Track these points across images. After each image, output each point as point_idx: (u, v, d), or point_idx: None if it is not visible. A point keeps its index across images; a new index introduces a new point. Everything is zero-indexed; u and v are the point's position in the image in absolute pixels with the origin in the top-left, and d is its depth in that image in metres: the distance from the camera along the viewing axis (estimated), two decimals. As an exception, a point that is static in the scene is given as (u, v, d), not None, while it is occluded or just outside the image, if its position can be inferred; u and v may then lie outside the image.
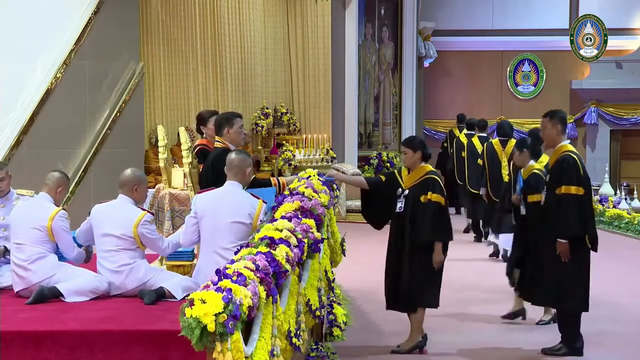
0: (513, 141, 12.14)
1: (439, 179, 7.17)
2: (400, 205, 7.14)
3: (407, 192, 7.15)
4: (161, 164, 8.94)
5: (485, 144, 12.67)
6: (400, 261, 7.14)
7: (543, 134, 7.26)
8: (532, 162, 8.18)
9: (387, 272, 7.30)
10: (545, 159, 9.28)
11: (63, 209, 6.38)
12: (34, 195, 6.89)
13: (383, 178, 7.46)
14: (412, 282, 7.06)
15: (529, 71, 21.03)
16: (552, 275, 7.08)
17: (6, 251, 6.49)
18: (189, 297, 4.06)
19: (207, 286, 4.21)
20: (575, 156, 7.03)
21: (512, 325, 8.19)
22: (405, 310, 7.26)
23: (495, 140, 12.52)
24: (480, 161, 12.62)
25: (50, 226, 6.16)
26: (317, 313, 5.88)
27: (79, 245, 6.40)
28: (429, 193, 7.02)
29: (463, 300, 9.08)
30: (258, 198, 6.21)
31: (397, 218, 7.20)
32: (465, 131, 14.59)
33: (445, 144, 17.46)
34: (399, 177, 7.28)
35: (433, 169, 7.27)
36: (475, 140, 13.32)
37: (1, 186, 6.74)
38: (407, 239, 7.10)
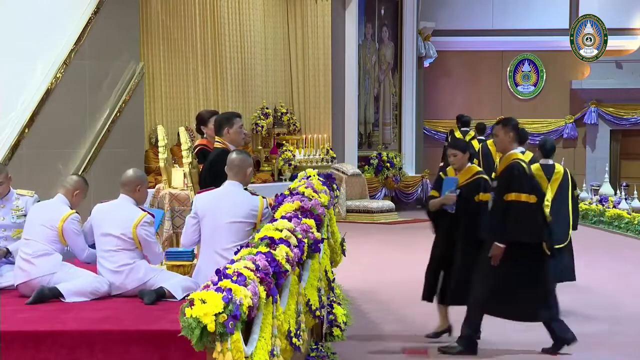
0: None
1: (488, 179, 7.43)
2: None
3: (458, 191, 7.38)
4: (161, 164, 8.94)
5: (480, 144, 13.25)
6: (451, 257, 7.39)
7: (496, 141, 7.30)
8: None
9: (430, 267, 7.57)
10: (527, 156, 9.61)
11: (76, 212, 6.41)
12: (34, 195, 6.91)
13: (437, 193, 7.59)
14: (462, 276, 7.26)
15: (529, 71, 21.03)
16: (516, 289, 7.05)
17: (8, 253, 6.51)
18: (189, 297, 4.06)
19: (207, 286, 4.21)
20: (524, 165, 7.06)
21: (513, 324, 8.18)
22: (453, 304, 7.44)
23: (490, 141, 12.91)
24: (475, 161, 12.83)
25: (61, 227, 6.20)
26: (317, 313, 5.88)
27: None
28: (481, 193, 7.32)
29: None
30: (257, 195, 6.22)
31: (447, 216, 7.41)
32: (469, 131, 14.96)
33: (446, 144, 17.48)
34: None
35: (480, 169, 7.61)
36: (475, 143, 13.64)
37: (1, 190, 6.74)
38: (459, 236, 7.34)
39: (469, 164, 7.54)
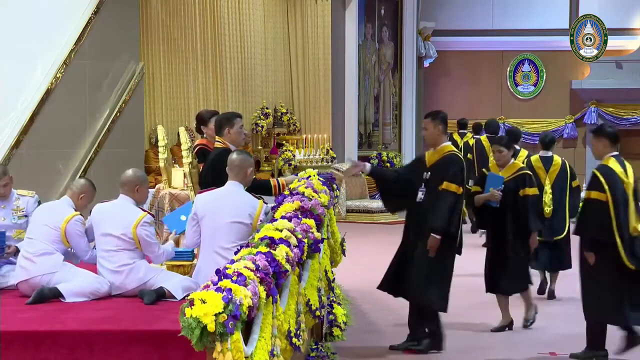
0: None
1: (531, 174, 8.11)
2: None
3: (502, 186, 7.79)
4: (161, 164, 8.94)
5: (475, 141, 14.23)
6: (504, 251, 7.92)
7: (425, 134, 7.37)
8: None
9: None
10: (523, 153, 10.66)
11: (80, 214, 6.41)
12: (34, 196, 6.92)
13: (478, 188, 7.93)
14: (516, 266, 7.88)
15: (529, 71, 21.03)
16: (420, 271, 7.10)
17: (18, 252, 6.50)
18: (189, 297, 4.06)
19: (207, 286, 4.21)
20: (460, 157, 7.23)
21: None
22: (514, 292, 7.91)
23: (483, 137, 13.99)
24: (470, 156, 14.01)
25: (64, 228, 6.21)
26: (317, 313, 5.88)
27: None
28: (527, 188, 7.92)
29: (464, 299, 9.07)
30: (259, 198, 6.22)
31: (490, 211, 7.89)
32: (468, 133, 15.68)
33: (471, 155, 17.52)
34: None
35: (523, 165, 8.20)
36: (471, 141, 14.58)
37: (4, 191, 6.75)
38: (508, 230, 7.82)
39: (512, 160, 8.00)
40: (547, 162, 9.41)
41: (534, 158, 9.47)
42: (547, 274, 9.46)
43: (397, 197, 7.50)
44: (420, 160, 7.40)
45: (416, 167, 7.39)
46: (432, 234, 6.99)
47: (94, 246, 6.33)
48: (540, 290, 9.34)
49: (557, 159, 9.45)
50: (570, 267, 9.28)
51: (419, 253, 7.09)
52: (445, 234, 7.00)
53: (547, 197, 9.23)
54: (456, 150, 7.32)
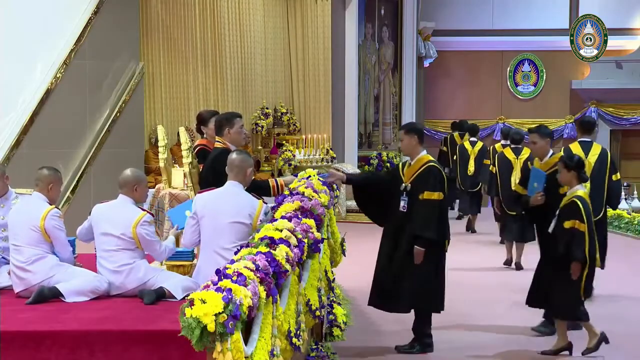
0: (467, 136, 15.36)
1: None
2: None
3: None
4: (161, 164, 8.94)
5: (448, 137, 16.58)
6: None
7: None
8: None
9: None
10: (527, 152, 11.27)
11: (57, 207, 6.35)
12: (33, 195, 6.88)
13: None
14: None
15: (529, 71, 21.03)
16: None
17: None
18: (189, 297, 4.06)
19: (207, 286, 4.22)
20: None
21: (513, 325, 8.18)
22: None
23: (456, 134, 16.21)
24: (444, 148, 16.55)
25: (43, 226, 6.10)
26: (317, 313, 5.88)
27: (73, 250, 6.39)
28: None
29: (464, 300, 9.08)
30: (259, 198, 6.22)
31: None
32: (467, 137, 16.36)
33: (445, 148, 17.55)
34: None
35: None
36: (467, 144, 15.44)
37: None
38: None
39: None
40: (517, 151, 11.19)
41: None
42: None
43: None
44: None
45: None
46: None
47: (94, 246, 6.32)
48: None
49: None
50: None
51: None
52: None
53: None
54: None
